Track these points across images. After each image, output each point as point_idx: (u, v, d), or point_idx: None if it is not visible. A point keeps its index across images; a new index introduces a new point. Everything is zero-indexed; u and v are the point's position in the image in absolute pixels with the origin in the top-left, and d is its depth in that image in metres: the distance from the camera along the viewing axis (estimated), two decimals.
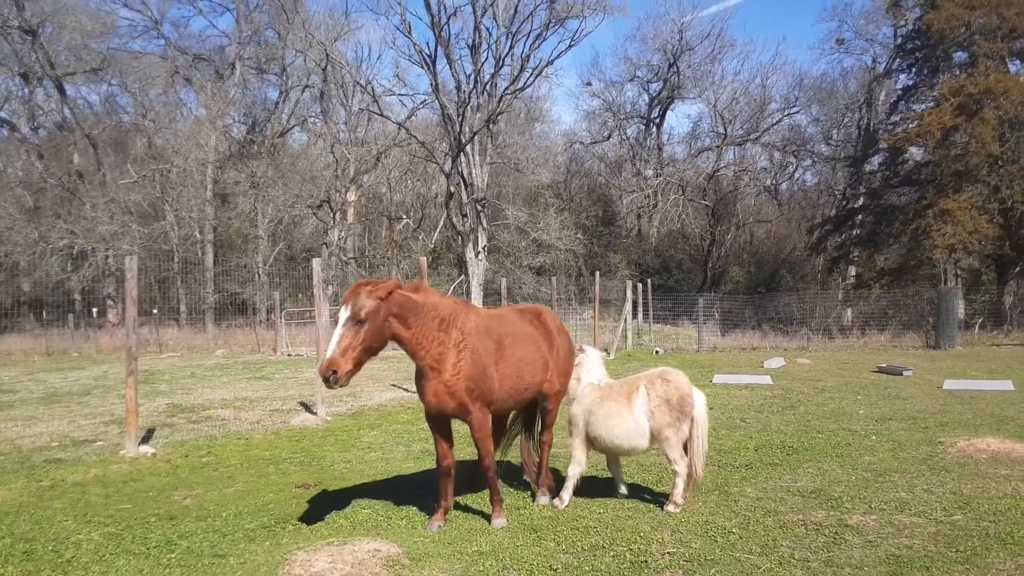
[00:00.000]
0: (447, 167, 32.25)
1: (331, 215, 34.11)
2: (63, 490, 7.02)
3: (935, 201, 27.80)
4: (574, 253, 37.06)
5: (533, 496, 6.31)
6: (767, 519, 5.55)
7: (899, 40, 36.35)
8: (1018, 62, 31.67)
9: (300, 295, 30.83)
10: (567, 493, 6.05)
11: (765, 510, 5.77)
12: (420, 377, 5.55)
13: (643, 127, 48.37)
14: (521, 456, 6.61)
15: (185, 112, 40.21)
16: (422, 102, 38.37)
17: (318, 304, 11.84)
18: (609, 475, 6.46)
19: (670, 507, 5.76)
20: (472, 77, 31.78)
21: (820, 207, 46.74)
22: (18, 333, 25.98)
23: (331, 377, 4.92)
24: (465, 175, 31.85)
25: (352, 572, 4.66)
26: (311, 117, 40.75)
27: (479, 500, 6.25)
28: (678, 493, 5.78)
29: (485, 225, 32.93)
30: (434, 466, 6.09)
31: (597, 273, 23.49)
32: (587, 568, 4.73)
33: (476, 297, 30.32)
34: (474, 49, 31.78)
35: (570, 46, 35.23)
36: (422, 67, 31.97)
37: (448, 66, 31.84)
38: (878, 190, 33.94)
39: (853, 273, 37.29)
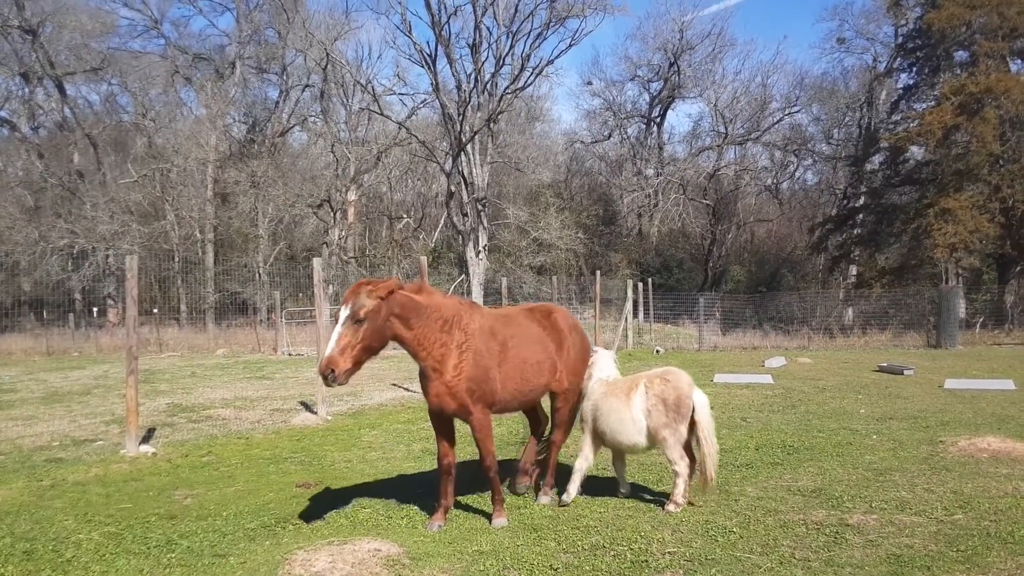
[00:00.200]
0: (448, 166, 32.25)
1: (331, 214, 34.11)
2: (63, 489, 7.02)
3: (936, 200, 27.78)
4: (575, 252, 37.08)
5: (536, 494, 6.30)
6: (768, 518, 5.54)
7: (900, 39, 36.36)
8: (1019, 61, 31.69)
9: (301, 294, 30.87)
10: (574, 487, 6.04)
11: (766, 509, 5.76)
12: (423, 377, 5.57)
13: (644, 126, 48.42)
14: (521, 456, 6.56)
15: (185, 112, 40.31)
16: (422, 101, 38.47)
17: (319, 304, 11.83)
18: (609, 475, 6.45)
19: (671, 507, 5.75)
20: (472, 76, 31.79)
21: (821, 206, 46.71)
22: (19, 333, 25.99)
23: (329, 375, 4.94)
24: (466, 174, 31.85)
25: (352, 572, 4.66)
26: (311, 116, 40.80)
27: (480, 500, 6.24)
28: (679, 493, 5.77)
29: (486, 224, 32.94)
30: (435, 466, 6.09)
31: (598, 272, 23.47)
32: (588, 567, 4.72)
33: (477, 296, 30.32)
34: (474, 48, 31.80)
35: (570, 45, 35.30)
36: (422, 66, 32.04)
37: (448, 65, 31.89)
38: (879, 189, 33.92)
39: (854, 272, 37.29)
